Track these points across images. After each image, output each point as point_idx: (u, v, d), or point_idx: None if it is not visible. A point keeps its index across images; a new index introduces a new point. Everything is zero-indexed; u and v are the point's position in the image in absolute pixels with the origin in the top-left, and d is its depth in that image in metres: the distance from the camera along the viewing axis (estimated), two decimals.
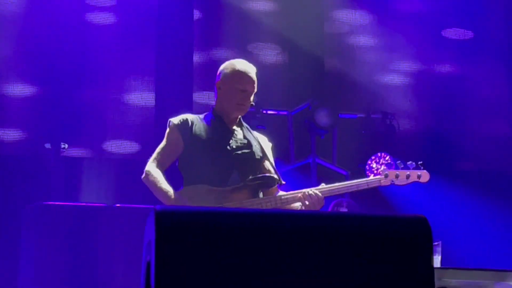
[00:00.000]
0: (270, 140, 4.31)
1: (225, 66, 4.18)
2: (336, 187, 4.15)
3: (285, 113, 7.79)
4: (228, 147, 4.05)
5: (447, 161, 7.93)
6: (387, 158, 4.25)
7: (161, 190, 3.92)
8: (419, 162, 4.27)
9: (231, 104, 4.11)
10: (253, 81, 4.12)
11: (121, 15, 7.56)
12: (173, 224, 2.09)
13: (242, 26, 7.85)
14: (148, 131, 7.35)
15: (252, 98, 4.12)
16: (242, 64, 4.17)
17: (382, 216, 2.34)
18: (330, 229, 2.18)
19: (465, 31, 8.19)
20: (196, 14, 7.77)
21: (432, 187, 6.73)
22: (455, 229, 7.37)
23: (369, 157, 4.33)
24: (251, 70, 4.15)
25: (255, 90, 4.13)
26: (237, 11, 7.74)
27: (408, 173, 4.24)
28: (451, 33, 8.21)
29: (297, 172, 7.50)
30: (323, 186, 4.09)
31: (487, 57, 8.11)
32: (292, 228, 2.16)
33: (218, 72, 4.18)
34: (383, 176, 4.23)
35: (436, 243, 4.10)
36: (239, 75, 4.11)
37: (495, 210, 7.57)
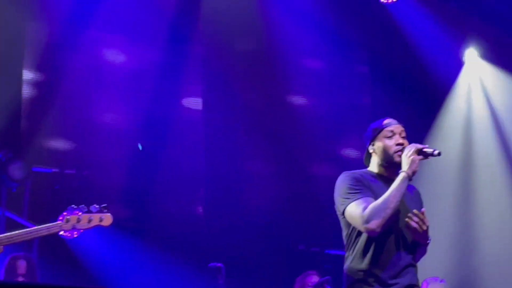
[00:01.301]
0: None
1: None
2: (16, 234, 4.03)
3: None
4: None
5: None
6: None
7: None
8: (103, 205, 4.26)
9: None
10: None
11: None
12: None
13: None
14: None
15: None
16: None
17: None
18: None
19: None
20: None
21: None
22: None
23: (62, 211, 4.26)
24: None
25: None
26: None
27: (90, 216, 4.21)
28: None
29: None
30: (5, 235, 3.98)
31: None
32: None
33: None
34: (64, 222, 4.17)
35: None
36: None
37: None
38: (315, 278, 6.77)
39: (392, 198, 3.88)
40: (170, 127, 8.34)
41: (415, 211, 3.95)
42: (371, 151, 4.18)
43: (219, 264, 6.52)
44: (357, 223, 3.91)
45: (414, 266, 4.06)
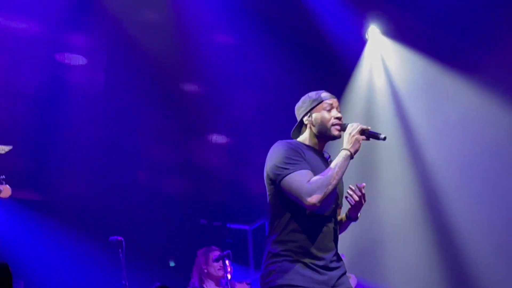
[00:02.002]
0: None
1: None
2: None
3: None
4: None
5: None
6: None
7: None
8: (1, 177, 4.10)
9: None
10: None
11: None
12: None
13: None
14: None
15: None
16: None
17: None
18: None
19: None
20: None
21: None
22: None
23: None
24: None
25: None
26: None
27: None
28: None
29: None
30: None
31: None
32: None
33: None
34: None
35: None
36: None
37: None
38: (216, 253, 6.77)
39: (335, 175, 3.83)
40: (66, 99, 8.11)
41: (356, 185, 3.93)
42: (306, 122, 4.12)
43: (119, 238, 6.43)
44: (297, 195, 3.82)
45: (337, 243, 4.03)
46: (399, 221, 8.32)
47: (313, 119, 4.10)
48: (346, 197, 3.97)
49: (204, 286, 6.68)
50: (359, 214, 4.08)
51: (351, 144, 3.93)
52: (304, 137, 4.14)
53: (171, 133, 8.72)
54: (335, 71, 8.73)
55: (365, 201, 3.98)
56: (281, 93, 8.60)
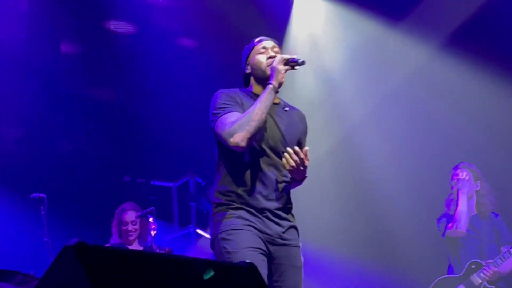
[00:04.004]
0: None
1: None
2: None
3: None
4: None
5: None
6: None
7: None
8: None
9: None
10: None
11: None
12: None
13: None
14: None
15: None
16: None
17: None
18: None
19: None
20: None
21: None
22: None
23: None
24: None
25: None
26: None
27: None
28: None
29: None
30: None
31: None
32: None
33: None
34: None
35: None
36: None
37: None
38: (131, 214, 6.74)
39: (257, 110, 3.77)
40: None
41: (294, 148, 3.81)
42: (247, 71, 4.10)
43: (41, 195, 6.35)
44: (222, 137, 3.79)
45: (287, 187, 3.98)
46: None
47: (250, 66, 4.09)
48: (285, 159, 3.85)
49: (124, 243, 6.70)
50: (306, 175, 3.93)
51: (274, 76, 3.90)
52: (251, 86, 4.11)
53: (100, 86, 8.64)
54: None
55: (306, 165, 3.83)
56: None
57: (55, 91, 8.18)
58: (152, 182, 8.94)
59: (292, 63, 3.93)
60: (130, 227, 6.71)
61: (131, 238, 6.70)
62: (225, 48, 8.25)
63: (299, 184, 4.08)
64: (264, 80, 4.00)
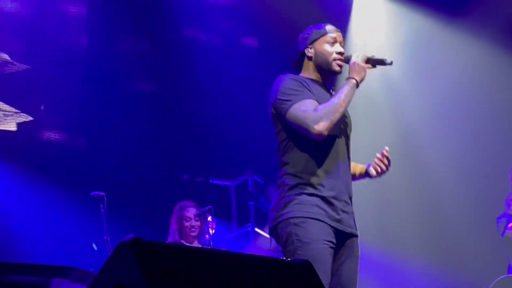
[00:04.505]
0: None
1: None
2: None
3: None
4: None
5: None
6: None
7: None
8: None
9: None
10: None
11: None
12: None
13: None
14: None
15: None
16: None
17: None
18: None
19: None
20: None
21: None
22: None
23: None
24: None
25: None
26: None
27: None
28: None
29: None
30: None
31: None
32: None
33: None
34: None
35: None
36: None
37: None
38: (192, 211, 6.74)
39: (342, 103, 3.74)
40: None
41: (382, 152, 3.93)
42: (308, 53, 4.00)
43: (101, 193, 6.42)
44: (303, 124, 3.71)
45: (353, 176, 4.02)
46: None
47: (315, 51, 3.99)
48: (373, 166, 3.97)
49: (183, 241, 6.70)
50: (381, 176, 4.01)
51: (357, 72, 3.85)
52: (306, 70, 4.03)
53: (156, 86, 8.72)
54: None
55: (390, 166, 3.95)
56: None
57: (116, 91, 8.28)
58: (210, 181, 8.97)
59: (376, 62, 3.91)
60: (193, 222, 6.66)
61: (194, 234, 6.65)
62: (284, 46, 8.23)
63: (363, 178, 4.12)
64: (326, 71, 3.97)
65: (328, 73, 3.98)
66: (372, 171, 4.01)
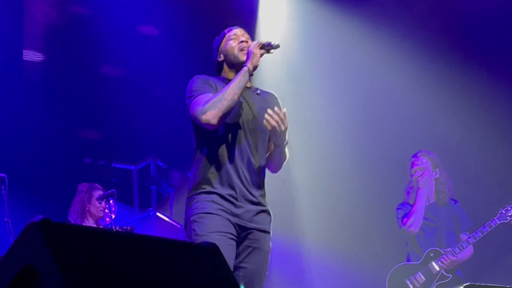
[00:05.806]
0: None
1: None
2: None
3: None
4: None
5: None
6: None
7: None
8: None
9: None
10: None
11: None
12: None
13: None
14: None
15: None
16: None
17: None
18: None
19: None
20: None
21: None
22: None
23: None
24: None
25: None
26: None
27: None
28: None
29: None
30: None
31: None
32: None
33: None
34: None
35: None
36: None
37: None
38: (100, 193, 6.73)
39: (230, 90, 3.84)
40: None
41: (275, 109, 3.92)
42: (219, 59, 4.15)
43: (2, 174, 6.31)
44: (196, 117, 3.86)
45: (262, 172, 4.04)
46: None
47: (222, 53, 4.14)
48: (265, 120, 3.93)
49: (84, 222, 6.66)
50: (286, 138, 4.01)
51: (250, 59, 3.97)
52: (223, 74, 4.17)
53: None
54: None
55: (286, 126, 3.93)
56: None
57: (13, 70, 8.12)
58: (113, 165, 8.90)
59: (267, 47, 4.02)
60: (104, 204, 6.66)
61: (101, 215, 6.68)
62: (187, 35, 8.26)
63: (281, 153, 4.10)
64: (237, 65, 4.07)
65: (240, 67, 4.04)
66: (268, 126, 3.97)
